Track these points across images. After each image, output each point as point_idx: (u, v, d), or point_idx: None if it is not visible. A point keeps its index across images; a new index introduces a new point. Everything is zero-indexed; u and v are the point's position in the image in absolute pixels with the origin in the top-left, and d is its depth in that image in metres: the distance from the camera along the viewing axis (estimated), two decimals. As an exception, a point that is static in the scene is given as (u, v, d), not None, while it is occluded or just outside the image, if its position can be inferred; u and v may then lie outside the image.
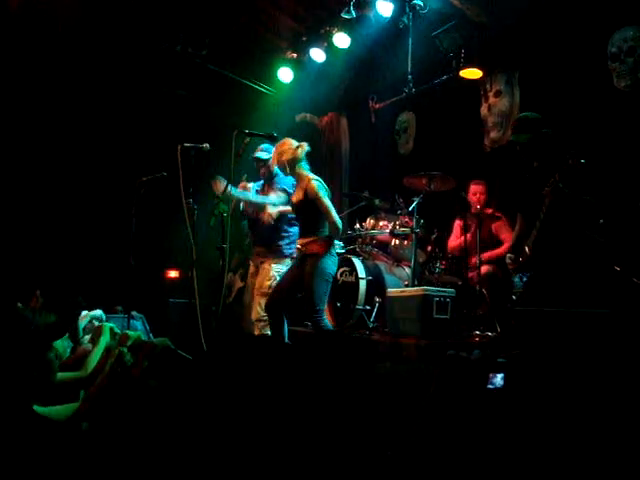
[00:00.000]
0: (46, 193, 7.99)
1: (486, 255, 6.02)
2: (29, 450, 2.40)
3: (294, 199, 5.56)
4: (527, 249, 5.01)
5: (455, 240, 6.57)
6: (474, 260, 5.92)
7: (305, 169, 5.53)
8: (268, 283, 6.08)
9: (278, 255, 6.19)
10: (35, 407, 2.93)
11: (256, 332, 6.03)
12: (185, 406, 2.71)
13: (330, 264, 5.34)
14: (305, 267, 5.31)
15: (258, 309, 6.07)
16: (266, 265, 6.20)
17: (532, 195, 5.00)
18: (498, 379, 3.18)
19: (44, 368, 2.93)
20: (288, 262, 6.14)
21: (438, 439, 2.89)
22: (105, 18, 7.51)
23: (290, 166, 5.49)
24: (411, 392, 4.49)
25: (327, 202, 5.31)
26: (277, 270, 6.13)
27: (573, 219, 4.80)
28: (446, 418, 3.01)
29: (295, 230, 6.12)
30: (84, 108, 8.22)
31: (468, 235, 5.95)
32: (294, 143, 5.56)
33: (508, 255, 5.30)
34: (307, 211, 5.43)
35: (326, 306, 5.56)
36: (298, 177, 5.53)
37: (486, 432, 2.91)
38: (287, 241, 6.21)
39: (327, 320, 5.44)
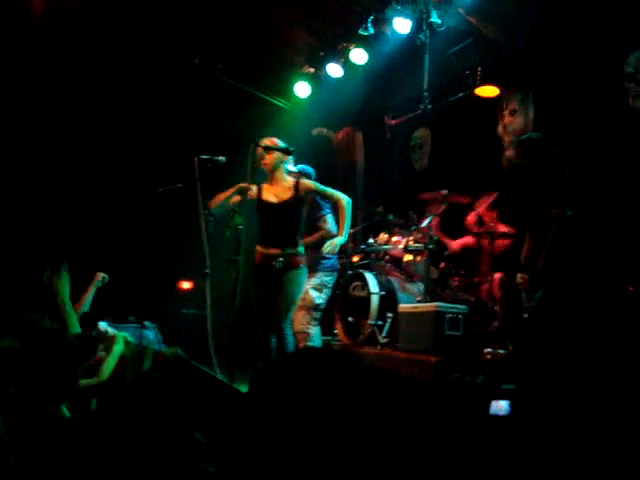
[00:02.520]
0: (63, 204, 8.04)
1: (499, 243, 6.02)
2: (56, 453, 2.43)
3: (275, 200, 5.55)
4: (537, 271, 5.02)
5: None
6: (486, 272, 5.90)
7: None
8: (305, 296, 6.12)
9: (314, 268, 6.21)
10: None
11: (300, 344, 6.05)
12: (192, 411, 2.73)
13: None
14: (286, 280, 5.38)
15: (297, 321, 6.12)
16: None
17: (539, 215, 5.01)
18: (503, 406, 3.16)
19: (71, 380, 2.96)
20: (321, 275, 6.22)
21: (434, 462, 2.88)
22: (124, 31, 7.60)
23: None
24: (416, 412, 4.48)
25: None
26: (312, 283, 6.16)
27: (582, 242, 4.80)
28: (444, 442, 3.00)
29: None
30: (103, 120, 8.29)
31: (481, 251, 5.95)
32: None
33: (519, 275, 5.29)
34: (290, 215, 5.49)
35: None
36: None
37: (485, 459, 2.90)
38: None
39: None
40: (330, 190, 5.59)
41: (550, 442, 2.98)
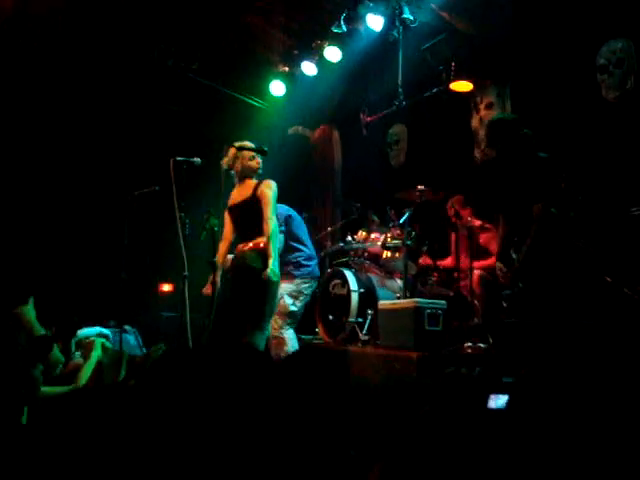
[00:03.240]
0: (38, 207, 7.98)
1: (477, 264, 6.02)
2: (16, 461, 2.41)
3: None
4: (517, 263, 5.02)
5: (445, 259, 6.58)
6: (466, 268, 5.90)
7: None
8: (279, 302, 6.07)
9: (288, 277, 6.18)
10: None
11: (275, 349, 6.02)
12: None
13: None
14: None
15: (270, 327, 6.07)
16: None
17: (517, 203, 5.00)
18: (501, 400, 3.13)
19: (29, 385, 2.94)
20: (298, 282, 6.19)
21: (430, 456, 2.88)
22: (97, 32, 7.53)
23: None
24: (403, 405, 4.49)
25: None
26: (288, 290, 6.15)
27: (562, 234, 4.82)
28: (440, 437, 2.99)
29: (302, 247, 6.28)
30: (76, 122, 8.23)
31: (459, 250, 5.96)
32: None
33: (498, 266, 5.30)
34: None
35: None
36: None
37: (483, 453, 2.89)
38: (295, 262, 6.26)
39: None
40: (269, 212, 5.32)
41: (549, 436, 2.97)
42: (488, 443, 2.90)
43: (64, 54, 7.57)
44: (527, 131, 5.06)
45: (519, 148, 5.05)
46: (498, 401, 3.14)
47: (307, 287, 6.27)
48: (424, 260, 6.49)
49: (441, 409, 3.03)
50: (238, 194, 5.49)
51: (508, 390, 3.19)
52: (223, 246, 5.45)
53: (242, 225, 5.49)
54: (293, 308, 6.14)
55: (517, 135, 5.05)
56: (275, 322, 6.01)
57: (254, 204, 5.32)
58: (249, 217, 5.37)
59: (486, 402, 3.13)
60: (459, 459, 2.78)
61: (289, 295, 6.13)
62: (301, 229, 6.51)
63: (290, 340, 6.09)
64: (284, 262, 6.10)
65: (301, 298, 6.21)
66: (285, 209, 6.30)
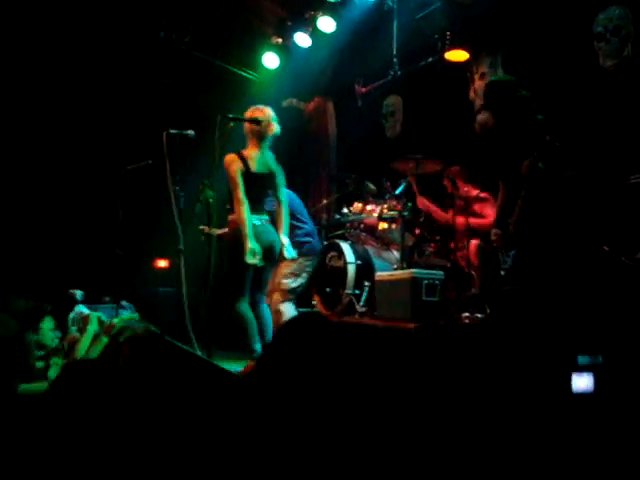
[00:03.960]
0: (31, 183, 7.93)
1: (474, 221, 5.96)
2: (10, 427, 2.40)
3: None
4: (511, 227, 4.97)
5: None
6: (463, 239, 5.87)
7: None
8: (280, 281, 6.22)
9: None
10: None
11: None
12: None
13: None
14: None
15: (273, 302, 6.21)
16: None
17: (513, 165, 4.94)
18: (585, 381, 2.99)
19: (23, 349, 2.93)
20: (300, 260, 6.26)
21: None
22: (87, 4, 7.44)
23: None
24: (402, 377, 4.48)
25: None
26: (290, 269, 6.27)
27: (556, 195, 4.76)
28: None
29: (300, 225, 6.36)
30: (67, 96, 8.15)
31: (456, 217, 5.92)
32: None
33: (493, 231, 5.26)
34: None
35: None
36: None
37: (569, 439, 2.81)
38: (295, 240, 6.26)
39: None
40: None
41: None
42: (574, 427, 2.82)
43: (52, 27, 7.48)
44: (525, 93, 4.99)
45: (517, 110, 4.97)
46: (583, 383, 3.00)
47: (309, 264, 6.38)
48: (420, 200, 6.45)
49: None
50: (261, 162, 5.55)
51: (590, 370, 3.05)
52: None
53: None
54: (293, 285, 6.28)
55: (514, 97, 4.97)
56: (276, 297, 6.12)
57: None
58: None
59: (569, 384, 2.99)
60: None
61: (291, 274, 6.25)
62: (298, 205, 6.52)
63: (288, 313, 6.13)
64: None
65: (303, 275, 6.30)
66: None
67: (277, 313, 6.11)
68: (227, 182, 5.31)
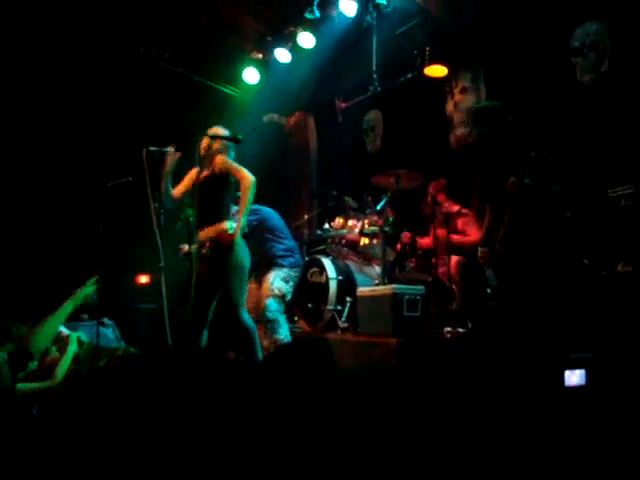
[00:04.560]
0: (9, 200, 7.86)
1: (456, 238, 5.98)
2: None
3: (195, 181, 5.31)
4: (497, 244, 5.01)
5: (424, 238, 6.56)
6: (444, 254, 5.90)
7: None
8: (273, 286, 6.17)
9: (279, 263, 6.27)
10: None
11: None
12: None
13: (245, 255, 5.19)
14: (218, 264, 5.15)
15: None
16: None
17: (498, 187, 4.99)
18: (577, 376, 3.03)
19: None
20: (287, 270, 6.25)
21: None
22: (67, 20, 7.41)
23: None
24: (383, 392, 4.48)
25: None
26: (281, 275, 6.23)
27: (541, 211, 4.80)
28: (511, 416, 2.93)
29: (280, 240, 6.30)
30: (47, 112, 8.10)
31: (437, 232, 5.94)
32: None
33: (480, 249, 5.30)
34: (210, 193, 5.22)
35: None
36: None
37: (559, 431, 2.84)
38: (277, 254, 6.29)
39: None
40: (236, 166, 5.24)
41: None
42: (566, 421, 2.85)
43: (32, 43, 7.44)
44: (511, 118, 5.07)
45: (505, 134, 5.04)
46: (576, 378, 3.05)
47: (295, 273, 6.35)
48: (405, 235, 6.47)
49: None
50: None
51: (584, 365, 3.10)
52: None
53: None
54: (286, 290, 6.21)
55: (503, 122, 5.05)
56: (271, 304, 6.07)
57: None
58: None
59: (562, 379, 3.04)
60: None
61: (282, 280, 6.18)
62: (278, 221, 6.49)
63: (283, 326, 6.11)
64: (267, 256, 6.20)
65: (291, 283, 6.25)
66: None
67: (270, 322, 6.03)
68: (218, 190, 5.22)
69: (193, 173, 5.38)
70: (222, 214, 5.18)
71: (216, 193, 5.18)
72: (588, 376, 3.11)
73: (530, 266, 4.74)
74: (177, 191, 5.40)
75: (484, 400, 3.03)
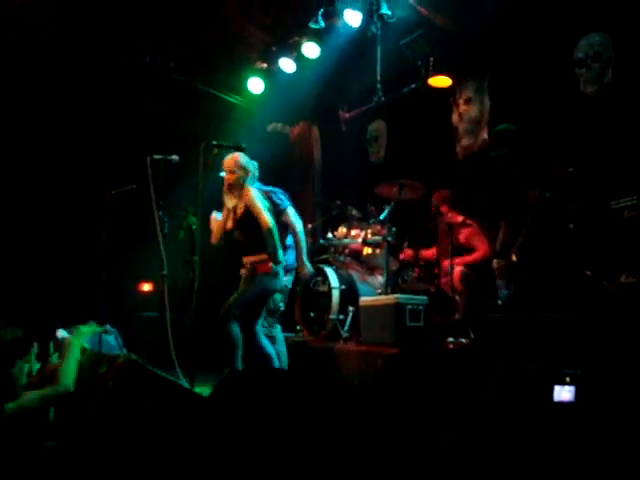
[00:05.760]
0: (14, 207, 7.88)
1: (458, 261, 6.01)
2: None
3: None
4: (514, 256, 5.02)
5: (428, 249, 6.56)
6: (447, 264, 5.89)
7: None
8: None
9: None
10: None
11: None
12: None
13: (274, 282, 5.33)
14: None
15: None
16: None
17: (515, 202, 5.03)
18: (566, 392, 3.04)
19: (8, 384, 2.89)
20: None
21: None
22: (72, 29, 7.44)
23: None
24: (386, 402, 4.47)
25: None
26: None
27: (560, 226, 4.84)
28: (502, 430, 2.93)
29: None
30: (51, 120, 8.13)
31: (440, 243, 5.94)
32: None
33: (495, 260, 5.31)
34: (252, 225, 5.35)
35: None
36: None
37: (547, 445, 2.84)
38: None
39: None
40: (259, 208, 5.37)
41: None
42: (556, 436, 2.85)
43: (37, 51, 7.47)
44: (530, 141, 5.18)
45: (521, 157, 5.11)
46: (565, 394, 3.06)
47: (290, 279, 6.27)
48: (406, 251, 6.48)
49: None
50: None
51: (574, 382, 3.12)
52: None
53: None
54: (280, 304, 6.13)
55: (521, 144, 5.13)
56: (266, 320, 5.99)
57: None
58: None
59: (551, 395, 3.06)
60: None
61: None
62: None
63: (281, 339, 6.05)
64: None
65: (285, 292, 6.21)
66: None
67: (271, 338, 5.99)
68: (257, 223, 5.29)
69: (223, 214, 5.48)
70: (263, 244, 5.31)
71: (257, 225, 5.30)
72: (577, 393, 3.12)
73: (547, 277, 4.77)
74: (215, 238, 5.55)
75: (475, 412, 3.03)
